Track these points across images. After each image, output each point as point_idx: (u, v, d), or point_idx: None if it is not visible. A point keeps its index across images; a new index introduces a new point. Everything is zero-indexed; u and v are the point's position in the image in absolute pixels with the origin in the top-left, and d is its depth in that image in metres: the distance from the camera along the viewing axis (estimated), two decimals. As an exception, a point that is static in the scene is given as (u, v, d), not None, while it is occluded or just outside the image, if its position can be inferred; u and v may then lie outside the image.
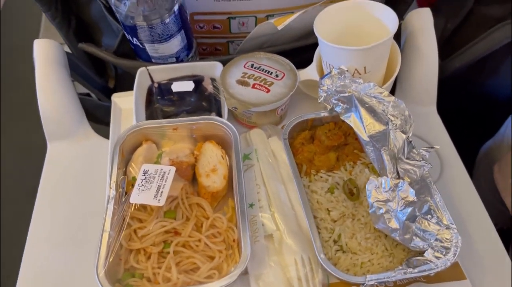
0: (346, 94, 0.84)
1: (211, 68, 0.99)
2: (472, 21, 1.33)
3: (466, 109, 1.53)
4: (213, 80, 0.98)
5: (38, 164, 0.95)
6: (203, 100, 0.95)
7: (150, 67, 0.97)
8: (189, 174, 0.85)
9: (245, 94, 0.89)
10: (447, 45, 1.30)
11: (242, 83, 0.90)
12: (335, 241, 0.74)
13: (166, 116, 0.94)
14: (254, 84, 0.90)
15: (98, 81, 1.30)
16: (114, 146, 0.83)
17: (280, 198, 0.81)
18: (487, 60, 1.28)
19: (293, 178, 0.79)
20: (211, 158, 0.86)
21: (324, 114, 0.89)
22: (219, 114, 0.94)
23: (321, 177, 0.83)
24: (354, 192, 0.79)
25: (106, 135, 1.00)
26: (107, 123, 1.34)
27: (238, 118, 0.95)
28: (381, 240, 0.74)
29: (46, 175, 0.92)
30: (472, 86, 1.45)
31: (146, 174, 0.79)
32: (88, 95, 1.41)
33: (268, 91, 0.89)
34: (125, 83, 1.32)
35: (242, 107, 0.87)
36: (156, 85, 0.97)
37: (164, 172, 0.80)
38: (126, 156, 0.86)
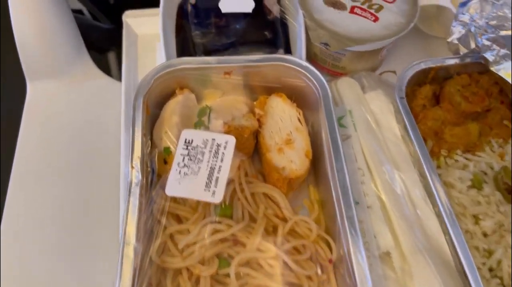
0: (506, 33, 0.53)
1: (275, -21, 0.65)
2: None
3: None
4: (278, -3, 0.65)
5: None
6: (265, 29, 0.62)
7: (184, -27, 0.63)
8: (250, 146, 0.56)
9: (341, 22, 0.57)
10: None
11: (334, 4, 0.58)
12: (491, 270, 0.47)
13: (207, 51, 0.63)
14: (353, 7, 0.57)
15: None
16: (135, 97, 0.52)
17: (396, 192, 0.52)
18: None
19: (422, 163, 0.51)
20: (283, 122, 0.56)
21: (454, 61, 0.58)
22: (289, 51, 0.62)
23: (457, 161, 0.54)
24: (512, 189, 0.51)
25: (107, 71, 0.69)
26: (103, 50, 1.00)
27: (317, 59, 0.63)
28: None
29: (25, 135, 0.60)
30: None
31: (189, 147, 0.49)
32: (79, 12, 1.06)
33: (376, 19, 0.57)
34: (132, 4, 0.97)
35: (338, 45, 0.55)
36: (192, 1, 0.64)
37: (218, 145, 0.50)
38: (151, 111, 0.55)
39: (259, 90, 0.59)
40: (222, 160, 0.49)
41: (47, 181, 0.57)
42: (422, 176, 0.53)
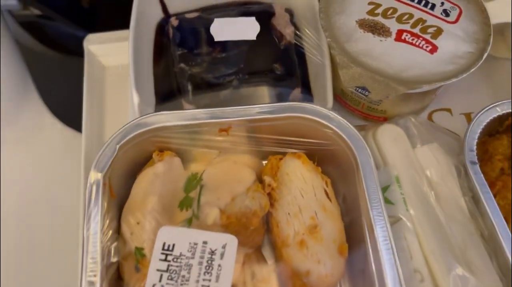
0: None
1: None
2: None
3: None
4: (291, 13, 0.48)
5: None
6: (275, 60, 0.45)
7: (162, -17, 0.46)
8: (258, 236, 0.40)
9: (384, 55, 0.40)
10: None
11: (373, 28, 0.41)
12: None
13: (196, 86, 0.46)
14: (400, 32, 0.40)
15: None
16: (91, 178, 0.36)
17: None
18: None
19: (509, 257, 0.35)
20: (305, 197, 0.40)
21: (542, 102, 0.42)
22: (307, 89, 0.46)
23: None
24: None
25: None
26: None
27: (347, 99, 0.46)
28: None
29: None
30: None
31: (169, 257, 0.33)
32: (48, 17, 0.90)
33: (434, 48, 0.40)
34: (110, 6, 0.81)
35: (382, 90, 0.38)
36: (175, 22, 0.47)
37: (213, 252, 0.34)
38: (118, 189, 0.39)
39: (268, 144, 0.43)
40: (217, 279, 0.33)
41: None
42: (506, 277, 0.37)
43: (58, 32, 0.80)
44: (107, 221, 0.36)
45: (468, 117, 0.48)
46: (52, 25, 0.81)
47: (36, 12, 0.82)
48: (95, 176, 0.36)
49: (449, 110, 0.49)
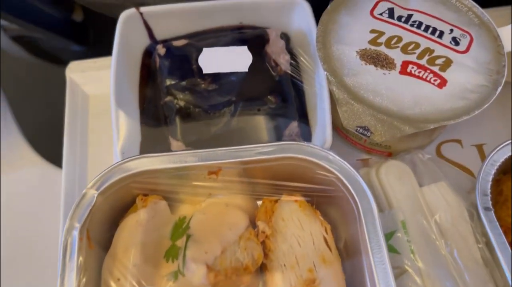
0: None
1: (280, 9, 0.44)
2: None
3: None
4: (287, 39, 0.44)
5: None
6: (270, 90, 0.42)
7: (146, 9, 0.43)
8: (252, 290, 0.36)
9: (388, 90, 0.36)
10: None
11: (376, 60, 0.37)
12: None
13: (183, 119, 0.42)
14: (405, 64, 0.37)
15: (50, 11, 0.76)
16: (68, 229, 0.33)
17: None
18: None
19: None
20: (302, 246, 0.36)
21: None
22: (304, 120, 0.42)
23: None
24: None
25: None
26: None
27: (348, 132, 0.43)
28: None
29: None
30: None
31: (150, 324, 0.30)
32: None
33: (443, 82, 0.36)
34: (105, 19, 0.78)
35: (385, 131, 0.35)
36: (162, 50, 0.44)
37: (199, 318, 0.30)
38: (99, 238, 0.36)
39: (262, 189, 0.40)
40: None
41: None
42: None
43: (49, 44, 0.77)
44: (84, 280, 0.32)
45: (480, 149, 0.45)
46: (44, 38, 0.78)
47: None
48: (71, 228, 0.33)
49: (459, 141, 0.45)
